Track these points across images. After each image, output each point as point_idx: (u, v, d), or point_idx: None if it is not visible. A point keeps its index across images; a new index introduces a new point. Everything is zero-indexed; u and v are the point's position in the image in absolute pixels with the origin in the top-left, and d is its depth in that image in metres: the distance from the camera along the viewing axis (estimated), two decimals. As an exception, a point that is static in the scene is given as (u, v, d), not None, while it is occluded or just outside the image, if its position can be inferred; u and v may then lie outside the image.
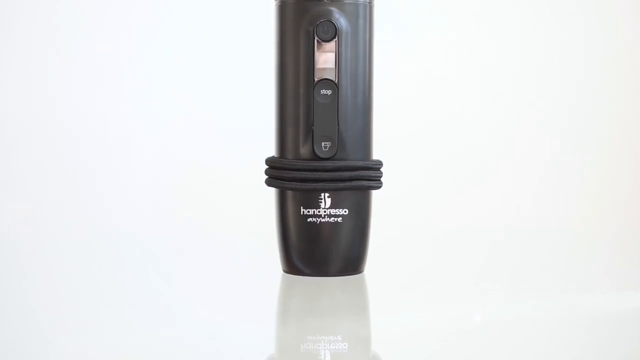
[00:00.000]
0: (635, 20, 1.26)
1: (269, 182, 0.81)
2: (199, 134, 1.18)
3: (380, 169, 0.81)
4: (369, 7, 0.80)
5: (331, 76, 0.79)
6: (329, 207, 0.79)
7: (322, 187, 0.79)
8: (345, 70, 0.79)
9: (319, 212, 0.79)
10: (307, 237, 0.80)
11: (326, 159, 0.79)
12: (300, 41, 0.79)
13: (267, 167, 0.82)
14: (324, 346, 0.64)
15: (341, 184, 0.79)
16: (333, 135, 0.79)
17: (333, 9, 0.79)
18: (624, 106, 1.26)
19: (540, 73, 1.24)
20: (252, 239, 0.98)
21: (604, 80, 1.26)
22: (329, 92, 0.79)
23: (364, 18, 0.80)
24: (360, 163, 0.79)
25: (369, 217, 0.81)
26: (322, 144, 0.79)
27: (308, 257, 0.80)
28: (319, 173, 0.79)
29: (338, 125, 0.79)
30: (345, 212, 0.79)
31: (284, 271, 0.82)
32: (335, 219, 0.79)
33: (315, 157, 0.79)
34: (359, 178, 0.79)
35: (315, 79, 0.79)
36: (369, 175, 0.80)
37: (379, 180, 0.81)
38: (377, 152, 0.82)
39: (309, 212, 0.79)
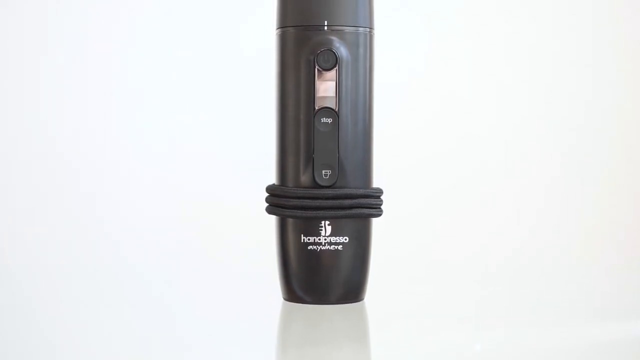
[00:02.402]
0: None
1: (269, 210, 0.81)
2: (199, 161, 1.18)
3: (381, 197, 0.81)
4: (369, 36, 0.81)
5: (332, 104, 0.79)
6: (330, 235, 0.79)
7: (323, 214, 0.79)
8: (346, 99, 0.79)
9: (319, 239, 0.79)
10: (308, 264, 0.80)
11: (327, 187, 0.79)
12: (301, 69, 0.79)
13: (267, 194, 0.82)
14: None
15: (341, 212, 0.79)
16: (333, 163, 0.79)
17: (333, 38, 0.79)
18: (624, 139, 1.26)
19: (539, 108, 1.25)
20: (252, 267, 0.98)
21: (604, 122, 1.26)
22: (329, 120, 0.79)
23: (364, 47, 0.80)
24: (361, 191, 0.80)
25: (370, 244, 0.81)
26: (323, 171, 0.79)
27: (308, 284, 0.80)
28: (320, 201, 0.79)
29: (338, 153, 0.79)
30: (345, 239, 0.80)
31: (284, 299, 0.82)
32: (336, 247, 0.79)
33: (316, 185, 0.79)
34: (359, 206, 0.79)
35: (316, 107, 0.79)
36: (369, 203, 0.80)
37: (379, 208, 0.81)
38: (378, 180, 0.83)
39: (309, 239, 0.79)
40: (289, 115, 0.80)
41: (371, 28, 0.81)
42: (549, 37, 1.26)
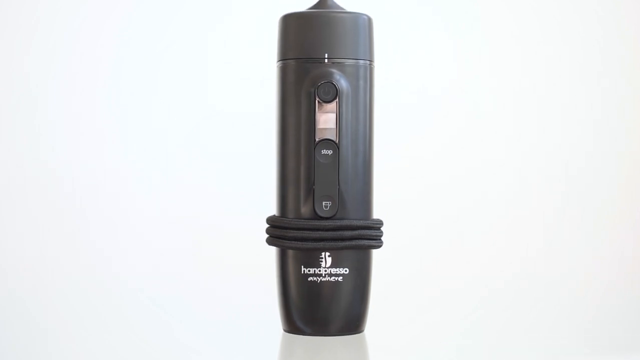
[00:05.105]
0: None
1: (269, 241, 0.82)
2: (201, 192, 1.19)
3: (381, 228, 0.81)
4: (370, 68, 0.81)
5: (332, 136, 0.79)
6: (330, 267, 0.79)
7: (323, 246, 0.79)
8: (346, 131, 0.80)
9: (319, 271, 0.79)
10: (308, 296, 0.80)
11: (327, 218, 0.79)
12: (302, 101, 0.80)
13: (268, 226, 0.82)
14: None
15: (342, 243, 0.79)
16: (334, 195, 0.79)
17: (334, 70, 0.80)
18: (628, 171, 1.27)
19: (539, 142, 1.26)
20: (252, 298, 0.98)
21: (608, 154, 1.27)
22: (329, 152, 0.79)
23: (364, 79, 0.81)
24: (361, 222, 0.80)
25: (370, 276, 0.81)
26: (323, 203, 0.79)
27: (308, 316, 0.80)
28: (320, 232, 0.79)
29: (339, 184, 0.79)
30: (346, 271, 0.80)
31: (284, 330, 0.82)
32: (336, 278, 0.79)
33: (316, 217, 0.79)
34: (359, 237, 0.80)
35: (316, 139, 0.79)
36: (369, 235, 0.80)
37: (380, 239, 0.81)
38: (378, 212, 0.83)
39: (309, 271, 0.79)
40: (290, 147, 0.81)
41: (371, 60, 0.81)
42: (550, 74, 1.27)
